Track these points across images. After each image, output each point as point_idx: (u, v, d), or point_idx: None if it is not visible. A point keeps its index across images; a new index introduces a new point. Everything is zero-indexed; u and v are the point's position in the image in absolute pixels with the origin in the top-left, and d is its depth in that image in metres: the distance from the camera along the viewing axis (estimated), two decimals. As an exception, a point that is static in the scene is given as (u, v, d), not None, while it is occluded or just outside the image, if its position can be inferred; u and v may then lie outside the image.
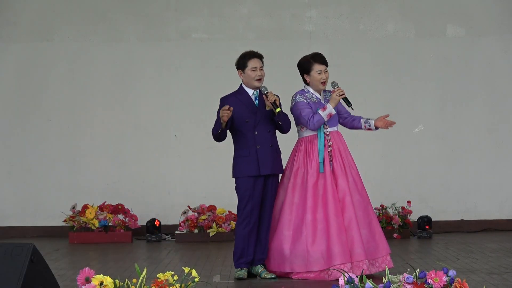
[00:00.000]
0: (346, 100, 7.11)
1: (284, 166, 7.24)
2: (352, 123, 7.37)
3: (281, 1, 10.95)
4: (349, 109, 7.23)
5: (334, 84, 7.17)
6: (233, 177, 7.13)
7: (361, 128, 7.35)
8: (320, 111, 7.06)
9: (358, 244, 6.92)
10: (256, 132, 7.03)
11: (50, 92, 10.89)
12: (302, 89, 7.28)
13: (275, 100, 6.95)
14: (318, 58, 7.21)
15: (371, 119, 7.34)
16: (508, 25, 10.89)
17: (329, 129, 7.16)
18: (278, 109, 6.94)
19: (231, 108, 6.88)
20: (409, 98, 10.92)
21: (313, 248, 6.94)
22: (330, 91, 7.30)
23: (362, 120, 7.34)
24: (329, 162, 7.09)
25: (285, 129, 7.15)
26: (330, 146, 7.13)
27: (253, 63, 7.07)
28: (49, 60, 10.88)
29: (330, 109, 7.05)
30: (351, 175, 7.12)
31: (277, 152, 7.15)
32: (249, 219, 7.03)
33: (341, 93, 7.07)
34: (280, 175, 7.26)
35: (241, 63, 7.09)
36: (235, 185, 7.13)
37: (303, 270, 6.99)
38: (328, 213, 6.97)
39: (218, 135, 7.01)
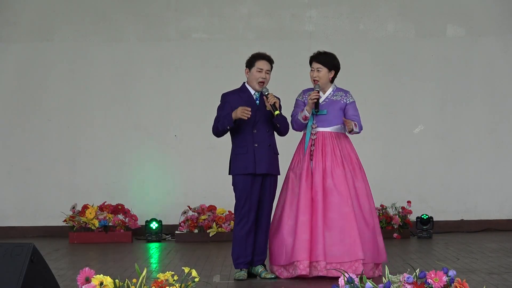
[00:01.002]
0: (316, 104, 7.04)
1: (281, 167, 7.23)
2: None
3: (281, 1, 10.95)
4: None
5: (315, 87, 7.12)
6: (229, 174, 7.14)
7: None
8: (299, 112, 7.08)
9: (319, 245, 6.88)
10: (255, 131, 7.03)
11: (50, 92, 10.89)
12: (313, 87, 7.27)
13: (274, 103, 6.95)
14: (315, 56, 7.19)
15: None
16: (508, 25, 10.89)
17: (318, 129, 7.11)
18: (276, 112, 6.94)
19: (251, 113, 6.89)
20: (409, 98, 10.93)
21: (282, 242, 6.98)
22: (342, 89, 7.25)
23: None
24: (309, 161, 7.08)
25: (283, 132, 7.15)
26: (313, 145, 7.11)
27: (260, 64, 7.07)
28: (49, 60, 10.88)
29: (304, 111, 7.06)
30: (332, 176, 7.01)
31: (275, 152, 7.13)
32: (247, 219, 7.02)
33: (313, 97, 7.00)
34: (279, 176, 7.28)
35: (250, 62, 7.10)
36: (232, 182, 7.13)
37: (275, 263, 7.06)
38: (298, 210, 6.98)
39: (223, 132, 7.02)
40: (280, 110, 7.04)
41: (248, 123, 7.00)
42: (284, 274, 7.01)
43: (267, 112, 7.04)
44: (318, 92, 7.04)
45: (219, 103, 7.14)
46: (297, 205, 6.99)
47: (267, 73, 7.08)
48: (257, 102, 7.08)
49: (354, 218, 6.96)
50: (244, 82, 7.17)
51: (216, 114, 7.12)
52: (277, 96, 7.07)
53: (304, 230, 6.91)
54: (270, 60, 7.13)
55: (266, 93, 7.00)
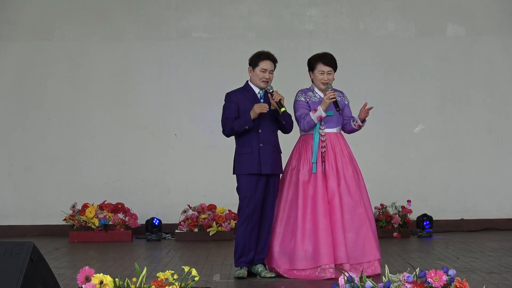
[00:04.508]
0: (335, 104, 7.05)
1: (284, 164, 7.24)
2: (345, 127, 7.31)
3: (281, 0, 10.94)
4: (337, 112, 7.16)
5: (328, 87, 7.11)
6: (234, 174, 7.13)
7: (354, 129, 7.29)
8: (311, 113, 7.05)
9: (341, 248, 6.90)
10: (260, 131, 7.02)
11: (50, 91, 10.89)
12: (309, 87, 7.25)
13: (280, 100, 6.94)
14: (324, 58, 7.14)
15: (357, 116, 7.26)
16: (508, 24, 10.89)
17: (326, 130, 7.13)
18: (283, 109, 6.93)
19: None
20: (409, 97, 10.93)
21: (299, 247, 6.96)
22: (337, 90, 7.26)
23: (351, 121, 7.29)
24: (322, 163, 7.07)
25: (288, 130, 7.15)
26: (324, 147, 7.10)
27: (264, 64, 7.03)
28: (49, 59, 10.88)
29: (320, 111, 7.02)
30: (344, 177, 7.04)
31: (278, 152, 7.13)
32: (251, 218, 7.01)
33: (331, 97, 7.00)
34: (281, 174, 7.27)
35: (254, 61, 7.06)
36: (236, 182, 7.12)
37: (288, 268, 7.02)
38: (316, 213, 6.97)
39: (238, 132, 6.98)
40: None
41: (253, 123, 6.98)
42: (299, 276, 7.00)
43: (272, 111, 7.03)
44: (333, 91, 7.04)
45: (224, 102, 7.11)
46: (314, 209, 6.98)
47: (271, 73, 7.06)
48: (261, 101, 7.06)
49: (367, 218, 7.04)
50: (247, 81, 7.14)
51: (222, 114, 7.08)
52: (281, 95, 7.07)
53: (328, 234, 6.92)
54: (274, 60, 7.08)
55: (271, 90, 6.98)
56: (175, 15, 10.93)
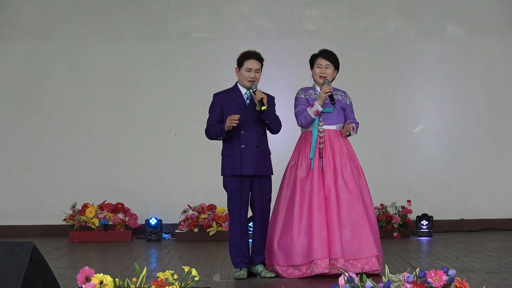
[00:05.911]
0: (331, 97, 7.06)
1: (273, 167, 7.19)
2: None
3: (281, 0, 10.94)
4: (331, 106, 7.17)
5: (324, 82, 7.13)
6: (221, 175, 7.15)
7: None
8: (308, 108, 7.06)
9: (336, 243, 6.90)
10: (242, 132, 6.99)
11: (50, 91, 10.89)
12: (310, 86, 7.26)
13: (262, 98, 6.92)
14: (323, 53, 7.19)
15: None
16: (508, 24, 10.89)
17: (325, 127, 7.13)
18: (263, 107, 6.90)
19: (239, 117, 6.87)
20: (409, 97, 10.93)
21: (295, 242, 6.97)
22: (339, 90, 7.27)
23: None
24: (319, 159, 7.07)
25: (274, 130, 7.11)
26: (322, 143, 7.11)
27: (249, 63, 7.02)
28: (49, 59, 10.88)
29: (316, 106, 7.04)
30: (342, 174, 7.05)
31: (264, 153, 7.07)
32: (239, 219, 7.01)
33: (327, 91, 7.02)
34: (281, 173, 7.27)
35: (239, 61, 7.06)
36: (222, 183, 7.13)
37: (285, 264, 7.02)
38: (312, 209, 6.98)
39: (215, 139, 7.02)
40: (273, 108, 7.03)
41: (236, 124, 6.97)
42: (295, 274, 7.00)
43: (257, 112, 7.01)
44: (330, 85, 7.05)
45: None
46: (310, 204, 6.99)
47: (257, 72, 7.03)
48: (247, 101, 7.05)
49: (365, 215, 7.03)
50: (237, 82, 7.15)
51: (208, 115, 7.10)
52: (271, 95, 7.07)
53: (322, 229, 6.92)
54: (259, 59, 7.06)
55: (255, 89, 6.98)
56: (175, 15, 10.93)
